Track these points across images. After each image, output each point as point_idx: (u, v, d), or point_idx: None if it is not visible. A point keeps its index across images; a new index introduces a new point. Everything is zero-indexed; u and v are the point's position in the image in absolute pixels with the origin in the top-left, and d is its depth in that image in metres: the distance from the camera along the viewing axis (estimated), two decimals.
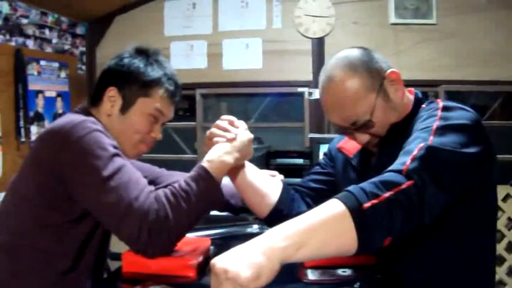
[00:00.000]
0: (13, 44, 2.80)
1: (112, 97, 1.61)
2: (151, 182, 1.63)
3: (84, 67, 3.59)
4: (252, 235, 1.06)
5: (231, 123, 1.55)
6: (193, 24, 3.61)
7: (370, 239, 1.05)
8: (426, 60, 3.39)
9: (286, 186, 1.64)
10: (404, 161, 1.16)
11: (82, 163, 1.39)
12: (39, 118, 3.05)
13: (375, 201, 1.06)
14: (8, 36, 2.75)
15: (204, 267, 1.57)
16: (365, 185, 1.10)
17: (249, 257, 0.98)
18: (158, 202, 1.39)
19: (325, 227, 1.04)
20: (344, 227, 1.04)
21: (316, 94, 3.42)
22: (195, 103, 3.68)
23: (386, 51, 3.36)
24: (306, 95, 3.48)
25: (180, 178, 1.87)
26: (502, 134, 3.40)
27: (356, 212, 1.04)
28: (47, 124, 3.10)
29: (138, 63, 1.63)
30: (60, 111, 3.23)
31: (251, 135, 1.58)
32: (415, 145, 1.20)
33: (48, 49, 3.15)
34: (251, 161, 2.90)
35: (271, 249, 0.99)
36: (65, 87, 3.32)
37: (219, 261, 0.98)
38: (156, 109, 1.62)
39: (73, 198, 1.42)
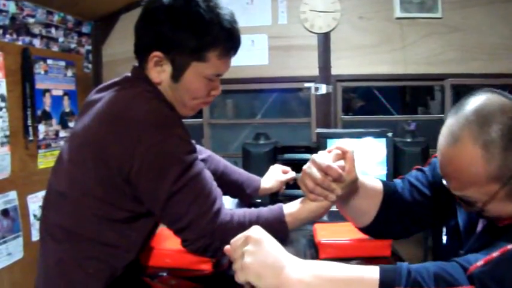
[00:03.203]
0: (20, 43, 2.81)
1: (159, 62, 1.40)
2: None
3: (90, 65, 3.60)
4: None
5: (339, 179, 1.31)
6: None
7: None
8: (432, 54, 3.39)
9: (387, 202, 1.45)
10: (477, 258, 1.02)
11: (154, 171, 1.29)
12: (46, 117, 3.06)
13: None
14: (14, 36, 2.76)
15: (220, 261, 1.59)
16: (420, 267, 1.02)
17: (269, 263, 0.98)
18: (222, 227, 1.33)
19: (347, 286, 1.00)
20: None
21: (323, 89, 3.42)
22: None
23: (392, 45, 3.37)
24: (313, 90, 3.48)
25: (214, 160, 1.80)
26: None
27: None
28: (55, 123, 3.12)
29: (186, 17, 1.36)
30: (67, 109, 3.24)
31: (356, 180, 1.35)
32: (501, 244, 1.03)
33: (55, 48, 3.16)
34: (259, 156, 2.92)
35: (286, 278, 0.98)
36: (72, 86, 3.33)
37: (251, 248, 0.99)
38: (213, 74, 1.43)
39: (139, 199, 1.34)
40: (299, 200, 1.41)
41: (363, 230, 1.52)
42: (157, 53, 1.39)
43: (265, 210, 1.41)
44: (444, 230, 1.40)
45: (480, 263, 1.00)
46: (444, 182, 1.20)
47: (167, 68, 1.41)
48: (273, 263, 0.98)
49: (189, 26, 1.36)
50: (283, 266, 0.99)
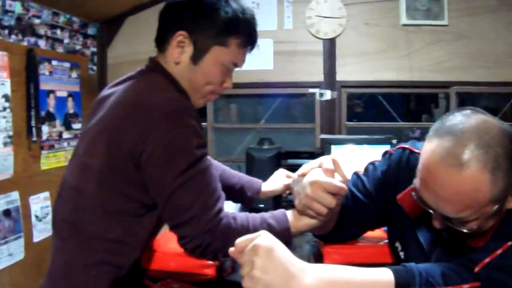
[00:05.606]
0: (25, 43, 2.81)
1: (182, 43, 1.44)
2: None
3: (95, 67, 3.60)
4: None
5: (339, 191, 1.28)
6: None
7: None
8: (437, 62, 3.38)
9: (343, 211, 1.44)
10: (482, 256, 1.04)
11: (164, 159, 1.30)
12: (50, 118, 3.05)
13: None
14: (20, 36, 2.76)
15: (223, 266, 1.58)
16: (427, 267, 1.05)
17: (283, 269, 0.97)
18: (223, 228, 1.33)
19: None
20: None
21: (328, 95, 3.41)
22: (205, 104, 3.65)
23: (397, 52, 3.37)
24: (317, 96, 3.47)
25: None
26: None
27: None
28: (58, 124, 3.12)
29: (213, 2, 1.43)
30: (71, 111, 3.24)
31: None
32: (502, 240, 1.06)
33: (60, 49, 3.16)
34: (263, 161, 2.92)
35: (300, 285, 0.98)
36: (76, 88, 3.32)
37: (263, 252, 0.98)
38: (231, 62, 1.47)
39: (147, 188, 1.35)
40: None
41: (319, 237, 1.55)
42: (182, 32, 1.42)
43: (269, 217, 1.40)
44: (399, 245, 1.39)
45: (487, 260, 1.02)
46: (427, 199, 1.12)
47: (188, 49, 1.44)
48: (282, 273, 0.97)
49: (216, 10, 1.41)
50: (293, 274, 0.98)
